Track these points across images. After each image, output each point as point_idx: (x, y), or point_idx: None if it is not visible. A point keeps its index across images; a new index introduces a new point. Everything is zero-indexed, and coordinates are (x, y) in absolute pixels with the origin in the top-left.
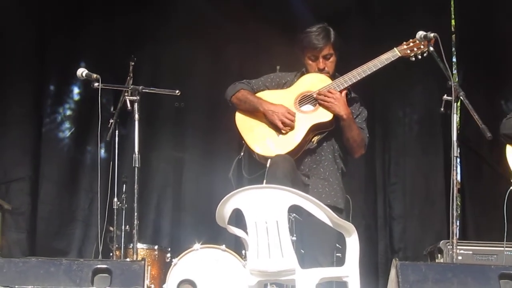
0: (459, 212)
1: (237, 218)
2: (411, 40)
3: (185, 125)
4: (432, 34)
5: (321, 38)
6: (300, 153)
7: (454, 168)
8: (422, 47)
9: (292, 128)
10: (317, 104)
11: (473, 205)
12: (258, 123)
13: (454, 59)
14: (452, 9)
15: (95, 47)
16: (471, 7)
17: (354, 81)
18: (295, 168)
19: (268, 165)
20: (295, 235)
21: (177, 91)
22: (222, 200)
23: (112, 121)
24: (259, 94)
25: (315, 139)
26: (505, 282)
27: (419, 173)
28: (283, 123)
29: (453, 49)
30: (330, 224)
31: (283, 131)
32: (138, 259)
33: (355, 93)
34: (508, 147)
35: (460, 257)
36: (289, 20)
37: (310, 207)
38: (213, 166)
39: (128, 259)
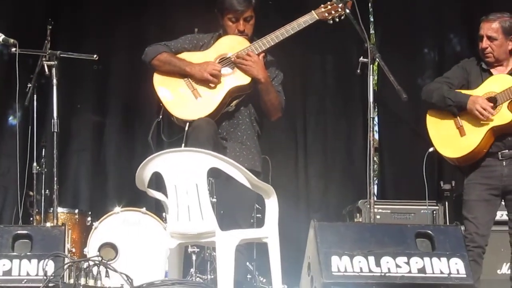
0: (377, 171)
1: (158, 181)
2: (328, 2)
3: (105, 88)
4: None
5: (243, 0)
6: (218, 116)
7: (371, 128)
8: (339, 10)
9: (219, 79)
10: (235, 67)
11: (392, 165)
12: (177, 86)
13: (371, 19)
14: None
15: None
16: None
17: (272, 44)
18: (217, 132)
19: (189, 128)
20: (215, 197)
21: (95, 56)
22: (142, 164)
23: (30, 85)
24: (179, 56)
25: (234, 102)
26: (421, 241)
27: (339, 133)
28: (212, 75)
29: (371, 9)
30: (249, 186)
31: (211, 85)
32: (59, 223)
33: (274, 55)
34: (428, 112)
35: (378, 216)
36: None
37: (229, 169)
38: (133, 129)
39: (48, 224)
